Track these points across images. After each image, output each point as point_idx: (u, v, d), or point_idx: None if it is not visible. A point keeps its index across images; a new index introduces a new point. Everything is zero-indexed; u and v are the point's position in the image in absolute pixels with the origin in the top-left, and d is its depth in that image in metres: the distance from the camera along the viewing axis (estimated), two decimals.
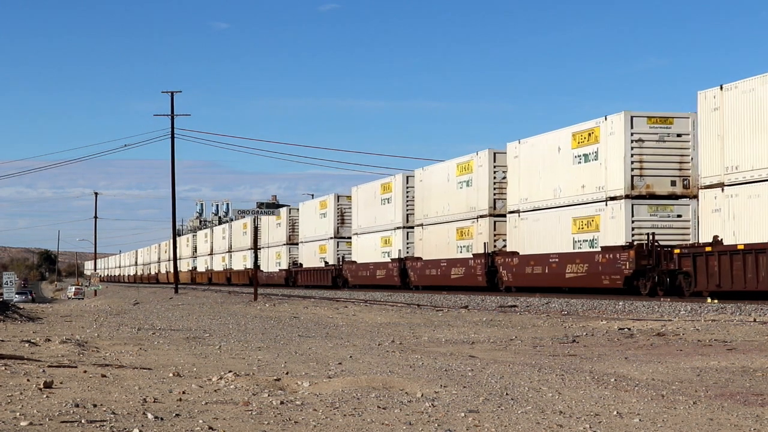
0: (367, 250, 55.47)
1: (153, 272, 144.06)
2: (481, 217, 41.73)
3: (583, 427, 8.34)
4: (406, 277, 49.72)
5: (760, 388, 11.00)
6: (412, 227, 49.71)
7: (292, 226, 72.65)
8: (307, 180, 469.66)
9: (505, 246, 40.39)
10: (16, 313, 28.86)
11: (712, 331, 19.02)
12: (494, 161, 41.32)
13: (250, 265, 79.65)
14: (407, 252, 50.13)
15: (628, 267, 31.90)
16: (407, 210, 50.59)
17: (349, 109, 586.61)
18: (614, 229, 32.83)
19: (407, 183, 50.69)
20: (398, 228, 51.25)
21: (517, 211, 38.94)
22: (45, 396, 9.59)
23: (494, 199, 41.22)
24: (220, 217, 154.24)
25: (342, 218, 61.58)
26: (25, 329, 22.09)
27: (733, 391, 10.79)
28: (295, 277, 69.90)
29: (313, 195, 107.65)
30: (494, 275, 40.66)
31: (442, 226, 45.50)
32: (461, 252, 43.54)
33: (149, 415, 8.52)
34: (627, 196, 32.37)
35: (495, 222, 41.06)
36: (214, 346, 16.66)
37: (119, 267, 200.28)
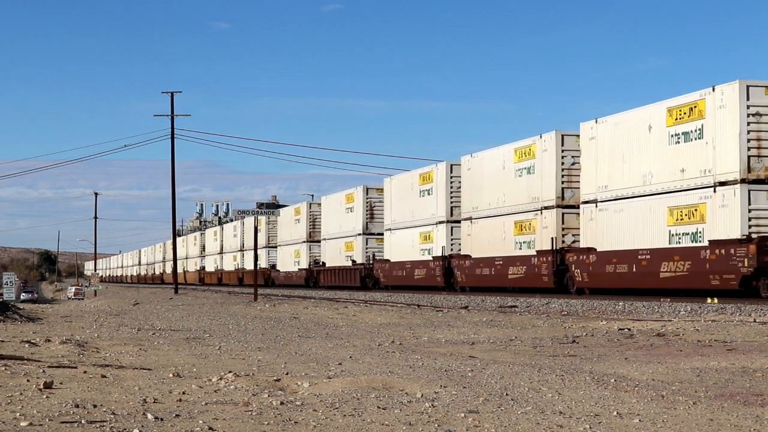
0: (402, 248, 50.29)
1: (158, 272, 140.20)
2: (546, 208, 36.93)
3: (583, 428, 8.34)
4: (450, 277, 44.48)
5: (760, 389, 11.00)
6: (458, 221, 44.56)
7: (313, 222, 67.54)
8: (308, 180, 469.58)
9: (575, 242, 35.90)
10: (16, 314, 28.85)
11: (712, 332, 19.02)
12: (562, 145, 36.61)
13: (265, 264, 76.64)
14: (451, 249, 44.87)
15: (746, 264, 27.31)
16: (451, 202, 45.56)
17: (349, 109, 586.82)
18: (725, 219, 28.28)
19: (451, 172, 45.53)
20: (441, 222, 46.04)
21: (594, 201, 34.13)
22: (45, 396, 9.59)
23: (562, 188, 36.53)
24: (219, 218, 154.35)
25: (371, 213, 56.28)
26: (25, 329, 22.09)
27: (733, 391, 10.79)
28: (317, 277, 64.58)
29: (312, 195, 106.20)
30: (563, 275, 36.06)
31: (495, 219, 40.54)
32: (520, 249, 38.65)
33: (149, 416, 8.52)
34: (743, 181, 27.84)
35: (563, 214, 36.46)
36: (214, 347, 16.66)
37: (122, 267, 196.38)
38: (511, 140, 40.71)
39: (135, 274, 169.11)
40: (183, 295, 55.32)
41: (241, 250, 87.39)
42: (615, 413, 9.08)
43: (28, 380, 10.79)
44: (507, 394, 10.23)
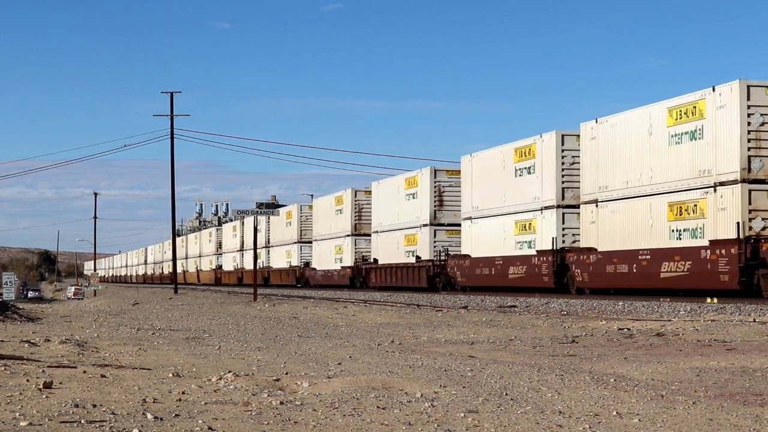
0: (488, 241, 42.05)
1: (166, 271, 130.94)
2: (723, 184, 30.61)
3: (582, 428, 8.34)
4: (563, 276, 36.82)
5: (760, 388, 11.00)
6: (573, 206, 36.80)
7: (359, 213, 58.90)
8: (308, 180, 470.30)
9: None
10: (16, 314, 28.84)
11: (712, 331, 19.02)
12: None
13: (297, 261, 70.31)
14: (563, 242, 37.11)
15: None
16: (563, 182, 37.36)
17: (349, 109, 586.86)
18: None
19: (563, 144, 37.30)
20: (549, 208, 37.82)
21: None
22: (44, 396, 9.59)
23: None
24: (219, 218, 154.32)
25: (441, 199, 47.75)
26: (25, 329, 22.08)
27: (732, 391, 10.79)
28: (366, 276, 56.23)
29: (312, 195, 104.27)
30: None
31: (636, 201, 32.89)
32: (679, 239, 30.79)
33: (149, 416, 8.52)
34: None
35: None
36: (214, 347, 16.65)
37: (125, 266, 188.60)
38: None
39: (141, 273, 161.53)
40: (183, 295, 55.29)
41: (267, 246, 79.05)
42: (614, 413, 9.08)
43: (27, 380, 10.79)
44: (506, 394, 10.23)
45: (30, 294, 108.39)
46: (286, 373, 12.11)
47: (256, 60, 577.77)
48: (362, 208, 58.93)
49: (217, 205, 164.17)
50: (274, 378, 11.33)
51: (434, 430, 8.20)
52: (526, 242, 39.01)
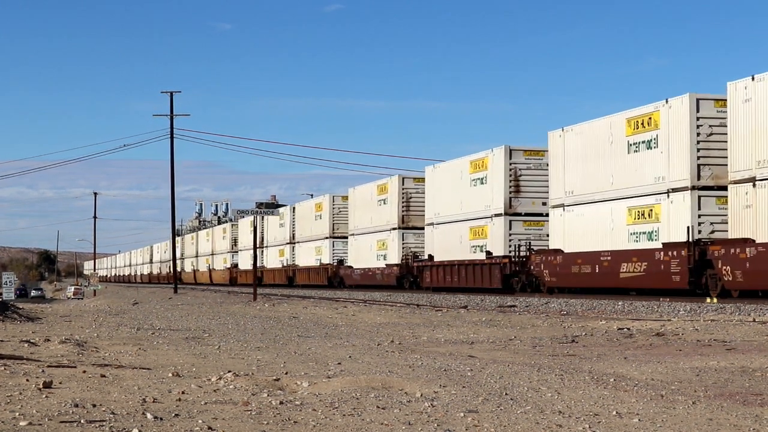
0: (588, 232, 35.20)
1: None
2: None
3: (582, 427, 8.33)
4: (701, 274, 29.85)
5: (760, 388, 11.00)
6: (713, 188, 30.19)
7: (407, 203, 52.11)
8: (308, 180, 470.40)
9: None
10: (16, 313, 28.83)
11: (712, 331, 19.02)
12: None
13: (329, 259, 62.85)
14: (699, 232, 30.00)
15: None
16: (698, 158, 30.27)
17: (349, 109, 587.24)
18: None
19: (698, 111, 30.40)
20: (680, 190, 30.64)
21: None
22: (44, 396, 9.59)
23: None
24: (219, 218, 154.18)
25: (517, 185, 40.69)
26: (25, 329, 22.08)
27: (732, 391, 10.79)
28: (419, 275, 49.10)
29: (312, 195, 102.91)
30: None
31: None
32: None
33: (148, 415, 8.52)
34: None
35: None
36: (214, 346, 16.65)
37: (129, 266, 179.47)
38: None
39: (146, 273, 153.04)
40: (182, 295, 55.29)
41: (292, 242, 71.39)
42: (614, 413, 9.08)
43: (27, 380, 10.78)
44: (506, 394, 10.23)
45: (33, 293, 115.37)
46: (286, 373, 12.10)
47: (257, 60, 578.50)
48: (411, 198, 51.74)
49: (216, 205, 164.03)
50: (274, 378, 11.33)
51: (434, 430, 8.20)
52: (644, 233, 31.99)
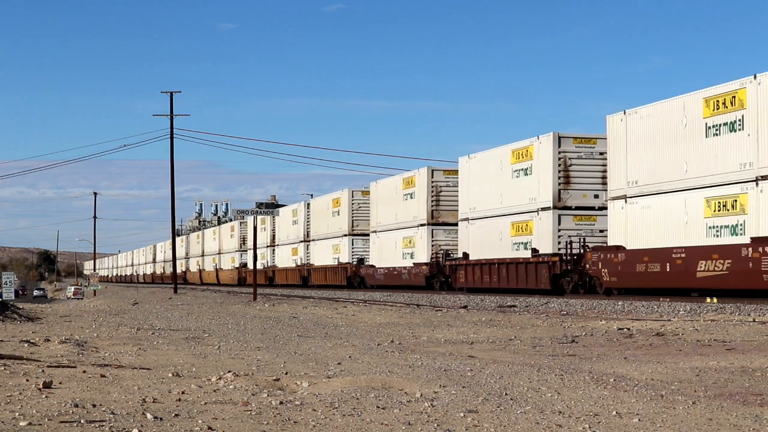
0: (657, 226, 31.15)
1: (179, 270, 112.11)
2: None
3: (582, 427, 8.33)
4: None
5: (759, 388, 11.00)
6: None
7: (437, 197, 47.54)
8: (309, 180, 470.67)
9: None
10: (15, 313, 28.84)
11: (712, 331, 19.01)
12: None
13: (348, 258, 58.87)
14: None
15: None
16: None
17: (349, 109, 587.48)
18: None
19: None
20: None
21: None
22: (44, 396, 9.59)
23: None
24: (219, 218, 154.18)
25: (567, 175, 36.73)
26: (24, 329, 22.08)
27: (732, 391, 10.78)
28: (452, 274, 44.77)
29: (312, 195, 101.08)
30: None
31: None
32: None
33: (148, 415, 8.52)
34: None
35: None
36: (214, 346, 16.65)
37: (132, 265, 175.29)
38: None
39: (149, 272, 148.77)
40: (182, 295, 55.29)
41: (306, 240, 67.39)
42: (614, 413, 9.08)
43: (27, 380, 10.78)
44: (506, 394, 10.23)
45: (36, 293, 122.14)
46: (286, 373, 12.10)
47: (258, 60, 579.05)
48: (441, 191, 47.33)
49: (216, 205, 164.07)
50: (274, 378, 11.33)
51: (434, 430, 8.20)
52: (726, 227, 28.35)
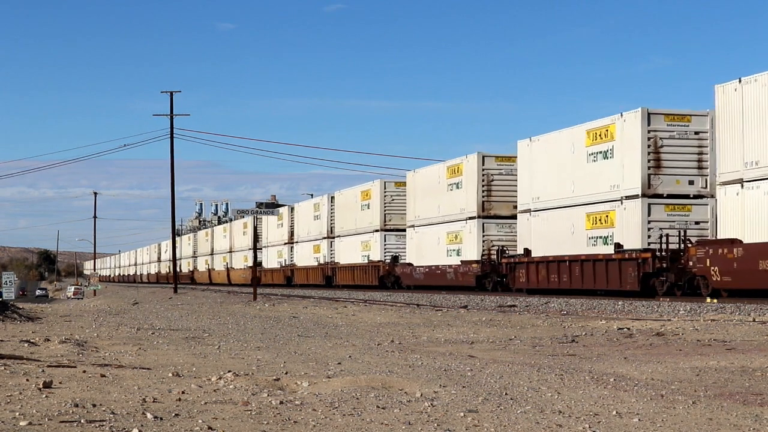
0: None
1: (186, 270, 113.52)
2: None
3: (582, 427, 8.33)
4: None
5: (759, 388, 11.00)
6: None
7: (488, 187, 42.23)
8: (309, 180, 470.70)
9: None
10: (15, 313, 28.83)
11: (712, 331, 19.01)
12: None
13: (379, 255, 53.26)
14: None
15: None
16: None
17: (349, 109, 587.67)
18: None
19: None
20: None
21: None
22: (44, 396, 9.59)
23: None
24: (219, 217, 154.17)
25: (658, 158, 31.62)
26: (25, 329, 22.08)
27: (732, 390, 10.78)
28: (510, 274, 39.69)
29: (312, 195, 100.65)
30: None
31: None
32: None
33: (148, 415, 8.52)
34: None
35: None
36: (214, 346, 16.65)
37: (135, 265, 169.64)
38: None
39: (153, 272, 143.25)
40: (182, 295, 55.29)
41: (330, 236, 61.71)
42: (614, 412, 9.08)
43: (27, 380, 10.78)
44: (506, 394, 10.23)
45: (38, 292, 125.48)
46: (286, 373, 12.10)
47: (258, 60, 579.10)
48: (493, 181, 41.83)
49: (216, 205, 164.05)
50: (274, 378, 11.33)
51: (434, 429, 8.20)
52: None
